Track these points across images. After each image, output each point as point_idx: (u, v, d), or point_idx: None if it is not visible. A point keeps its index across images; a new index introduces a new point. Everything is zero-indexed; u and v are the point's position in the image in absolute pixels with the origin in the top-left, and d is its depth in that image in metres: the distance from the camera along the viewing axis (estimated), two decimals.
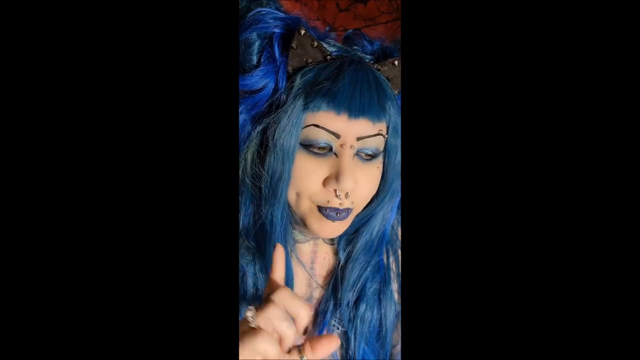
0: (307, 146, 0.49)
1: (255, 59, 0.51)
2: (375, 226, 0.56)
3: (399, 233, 0.60)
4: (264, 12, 0.50)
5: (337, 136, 0.48)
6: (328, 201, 0.49)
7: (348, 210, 0.51)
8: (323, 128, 0.48)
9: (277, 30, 0.50)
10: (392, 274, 0.59)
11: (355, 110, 0.47)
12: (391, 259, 0.59)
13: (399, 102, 0.54)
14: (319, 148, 0.49)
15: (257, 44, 0.50)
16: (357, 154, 0.50)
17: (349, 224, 0.53)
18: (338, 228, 0.52)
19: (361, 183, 0.50)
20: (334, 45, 0.53)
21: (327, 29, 0.54)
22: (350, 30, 0.56)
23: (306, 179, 0.49)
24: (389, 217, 0.57)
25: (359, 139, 0.49)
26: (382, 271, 0.58)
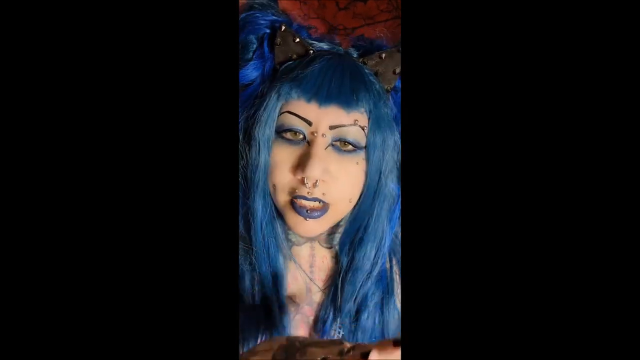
0: (282, 132, 0.49)
1: (250, 57, 0.53)
2: (372, 235, 0.55)
3: None
4: (256, 15, 0.52)
5: (309, 123, 0.48)
6: (296, 189, 0.49)
7: (324, 207, 0.50)
8: (295, 114, 0.48)
9: (267, 30, 0.53)
10: (395, 284, 0.58)
11: (323, 96, 0.48)
12: (395, 268, 0.58)
13: (393, 99, 0.54)
14: (292, 133, 0.49)
15: (253, 45, 0.53)
16: (332, 144, 0.50)
17: (328, 224, 0.53)
18: (313, 227, 0.51)
19: (337, 177, 0.50)
20: (329, 44, 0.54)
21: (336, 41, 0.56)
22: (356, 37, 0.58)
23: (279, 168, 0.50)
24: (390, 225, 0.56)
25: (332, 127, 0.49)
26: (384, 281, 0.57)
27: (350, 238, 0.56)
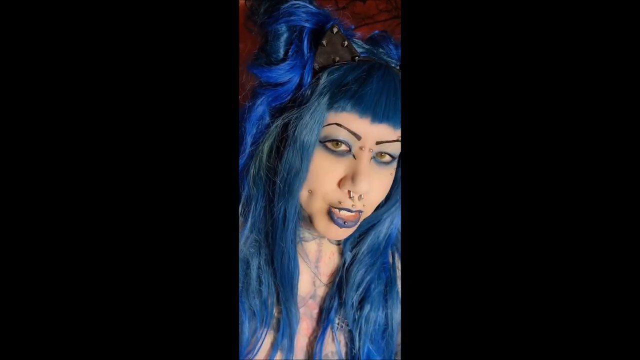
0: (327, 143, 0.48)
1: (282, 51, 0.50)
2: (382, 230, 0.56)
3: None
4: (298, 5, 0.50)
5: (358, 137, 0.48)
6: (340, 202, 0.49)
7: (358, 215, 0.50)
8: (345, 128, 0.48)
9: (307, 24, 0.50)
10: (397, 275, 0.59)
11: (380, 115, 0.47)
12: (397, 260, 0.60)
13: None
14: (334, 143, 0.48)
15: (285, 35, 0.50)
16: (374, 157, 0.50)
17: (355, 229, 0.53)
18: (344, 232, 0.51)
19: (373, 187, 0.50)
20: (361, 47, 0.52)
21: (352, 27, 0.53)
22: (376, 32, 0.55)
23: (322, 177, 0.49)
24: (396, 220, 0.57)
25: (378, 142, 0.49)
26: (387, 272, 0.58)
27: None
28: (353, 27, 0.54)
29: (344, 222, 0.50)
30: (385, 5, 1.04)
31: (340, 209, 0.49)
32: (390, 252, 0.59)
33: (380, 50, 0.53)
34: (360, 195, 0.49)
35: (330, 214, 0.50)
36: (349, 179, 0.48)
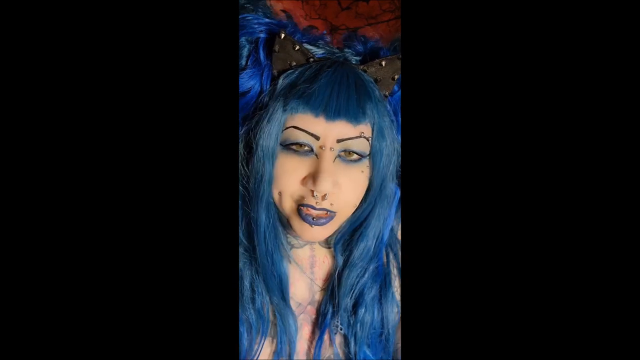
0: (288, 145, 0.49)
1: (243, 62, 0.52)
2: (370, 233, 0.56)
3: (399, 235, 0.60)
4: (249, 18, 0.51)
5: (317, 138, 0.48)
6: (303, 197, 0.49)
7: (329, 215, 0.51)
8: (302, 130, 0.48)
9: (262, 35, 0.51)
10: (392, 277, 0.59)
11: (332, 112, 0.48)
12: (392, 261, 0.59)
13: (392, 104, 0.54)
14: (299, 145, 0.49)
15: (246, 48, 0.51)
16: (339, 156, 0.50)
17: (334, 229, 0.53)
18: (320, 232, 0.52)
19: (344, 187, 0.50)
20: (324, 47, 0.53)
21: (324, 32, 0.54)
22: (346, 33, 0.56)
23: (286, 177, 0.49)
24: (387, 221, 0.56)
25: (339, 140, 0.49)
26: (381, 276, 0.57)
27: (348, 235, 0.57)
28: (325, 32, 0.55)
29: (313, 219, 0.50)
30: (388, 5, 1.04)
31: (305, 205, 0.50)
32: (385, 253, 0.58)
33: (346, 50, 0.54)
34: (325, 195, 0.49)
35: (299, 212, 0.50)
36: (311, 177, 0.49)
